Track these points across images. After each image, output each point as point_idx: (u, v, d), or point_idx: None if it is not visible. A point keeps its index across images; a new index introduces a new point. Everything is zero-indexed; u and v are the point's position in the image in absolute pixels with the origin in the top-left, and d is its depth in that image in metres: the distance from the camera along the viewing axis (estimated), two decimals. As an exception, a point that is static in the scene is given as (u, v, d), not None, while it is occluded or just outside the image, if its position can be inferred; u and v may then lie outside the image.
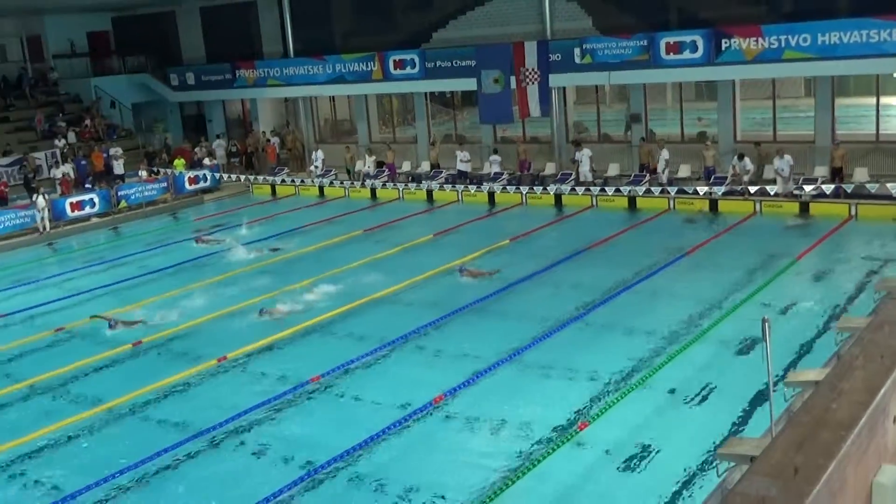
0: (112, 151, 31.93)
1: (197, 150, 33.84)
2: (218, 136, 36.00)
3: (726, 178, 23.70)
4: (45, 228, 26.63)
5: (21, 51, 38.93)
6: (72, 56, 38.57)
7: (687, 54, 24.76)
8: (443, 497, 10.13)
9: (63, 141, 32.28)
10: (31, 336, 17.43)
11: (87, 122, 34.50)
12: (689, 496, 9.57)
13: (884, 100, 24.44)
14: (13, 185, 29.61)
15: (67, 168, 30.22)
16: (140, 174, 30.78)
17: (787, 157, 22.75)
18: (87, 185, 29.73)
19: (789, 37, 23.12)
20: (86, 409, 13.45)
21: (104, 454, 11.99)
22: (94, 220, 28.29)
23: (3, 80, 37.39)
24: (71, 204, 27.86)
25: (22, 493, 11.23)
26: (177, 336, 16.54)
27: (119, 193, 29.07)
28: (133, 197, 29.45)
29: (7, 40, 38.83)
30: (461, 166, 28.44)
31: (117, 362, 15.57)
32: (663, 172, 24.98)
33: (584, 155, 26.33)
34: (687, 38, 24.76)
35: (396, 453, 11.40)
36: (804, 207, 22.05)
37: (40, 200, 26.60)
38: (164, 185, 30.37)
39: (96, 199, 28.55)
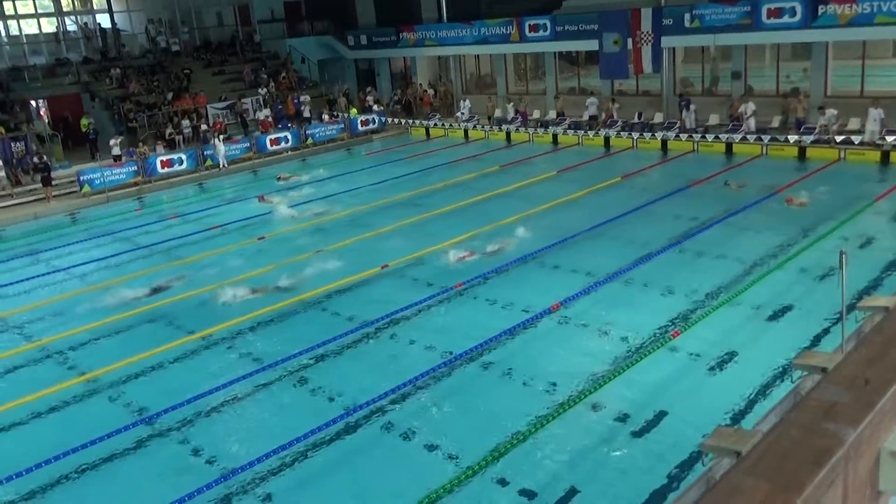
0: (302, 98, 32.68)
1: (368, 98, 34.18)
2: (373, 88, 36.10)
3: (815, 128, 22.18)
4: (223, 166, 27.06)
5: (234, 17, 40.08)
6: (272, 21, 39.39)
7: (786, 18, 23.03)
8: (555, 384, 10.15)
9: (264, 90, 33.17)
10: (242, 242, 18.34)
11: (283, 74, 35.29)
12: (765, 398, 9.25)
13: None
14: (228, 124, 30.75)
15: (267, 111, 31.17)
16: (323, 117, 31.43)
17: (880, 109, 21.04)
18: (281, 126, 30.58)
19: (881, 3, 21.10)
20: (282, 299, 14.07)
21: (295, 334, 12.54)
22: (288, 153, 29.17)
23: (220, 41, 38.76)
24: (270, 140, 28.77)
25: (236, 360, 11.91)
26: (347, 249, 16.96)
27: (307, 133, 29.83)
28: (317, 135, 30.15)
29: (224, 9, 40.04)
30: (591, 111, 27.62)
31: (308, 265, 16.07)
32: (750, 122, 23.56)
33: (691, 111, 25.10)
34: (786, 4, 22.96)
35: (520, 348, 11.45)
36: (885, 156, 20.42)
37: (220, 146, 27.06)
38: (342, 126, 30.94)
39: (289, 137, 29.37)
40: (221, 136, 27.81)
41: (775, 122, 23.86)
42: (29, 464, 9.12)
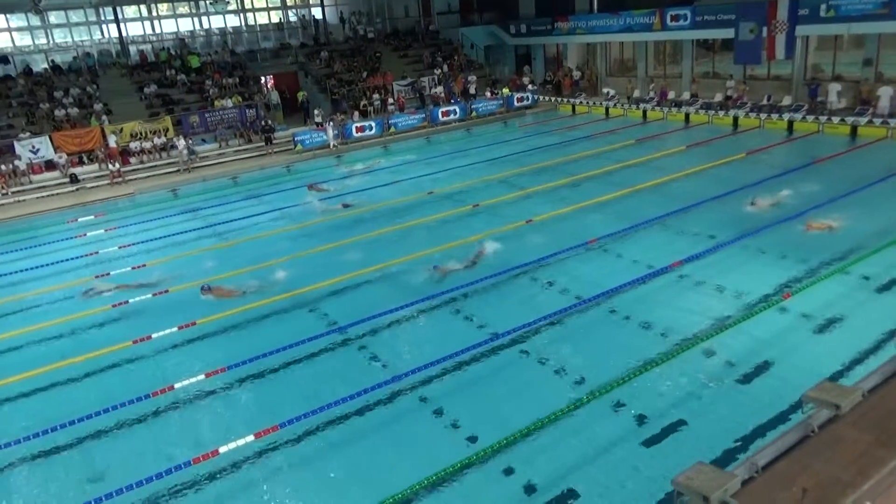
0: (469, 78, 32.57)
1: (524, 78, 33.54)
2: (528, 69, 35.10)
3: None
4: (335, 146, 26.43)
5: (418, 9, 40.37)
6: (448, 13, 39.33)
7: (925, 8, 20.15)
8: (666, 334, 9.74)
9: (439, 70, 33.32)
10: (416, 195, 18.64)
11: (455, 58, 35.26)
12: (867, 360, 8.42)
13: None
14: (408, 98, 31.29)
15: (440, 89, 31.35)
16: (486, 94, 31.21)
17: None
18: (452, 101, 30.71)
19: None
20: (441, 244, 14.23)
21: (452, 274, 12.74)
22: (455, 123, 29.32)
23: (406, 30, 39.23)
24: (442, 112, 29.05)
25: (402, 290, 12.31)
26: (499, 206, 16.92)
27: (472, 107, 29.78)
28: (480, 109, 30.07)
29: (410, 2, 40.32)
30: (730, 92, 25.73)
31: (463, 219, 16.27)
32: (883, 107, 20.90)
33: (833, 89, 22.62)
34: (927, -6, 20.09)
35: (641, 297, 11.04)
36: None
37: (330, 130, 26.44)
38: (500, 102, 30.64)
39: (457, 110, 29.49)
40: (332, 122, 26.98)
41: (904, 107, 21.08)
42: (251, 355, 10.02)
